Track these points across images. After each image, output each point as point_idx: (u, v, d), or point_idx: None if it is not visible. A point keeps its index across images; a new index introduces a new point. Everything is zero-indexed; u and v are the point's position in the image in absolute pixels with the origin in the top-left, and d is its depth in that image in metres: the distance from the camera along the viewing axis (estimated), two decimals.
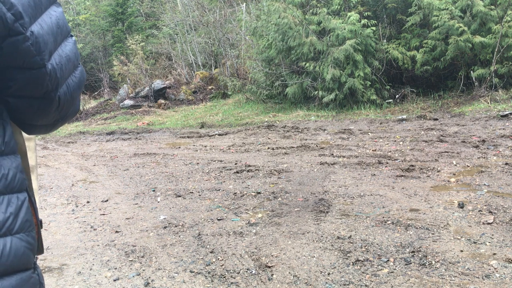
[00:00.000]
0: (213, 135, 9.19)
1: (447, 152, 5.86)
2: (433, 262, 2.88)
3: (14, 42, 0.87)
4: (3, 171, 0.91)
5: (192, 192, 4.95)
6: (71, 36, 1.04)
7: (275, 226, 3.74)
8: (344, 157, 6.10)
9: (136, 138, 9.76)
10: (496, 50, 9.29)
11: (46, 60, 0.92)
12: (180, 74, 16.83)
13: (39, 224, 1.04)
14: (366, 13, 10.66)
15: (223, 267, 3.05)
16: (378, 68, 10.40)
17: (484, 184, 4.41)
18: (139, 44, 16.18)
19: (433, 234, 3.33)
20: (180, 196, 4.84)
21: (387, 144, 6.76)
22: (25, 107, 0.96)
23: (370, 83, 10.21)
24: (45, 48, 0.91)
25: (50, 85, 0.94)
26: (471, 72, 9.73)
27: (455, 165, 5.25)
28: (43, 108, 0.97)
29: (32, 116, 0.99)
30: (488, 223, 3.44)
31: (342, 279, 2.77)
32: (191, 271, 3.02)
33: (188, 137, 9.29)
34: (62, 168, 6.96)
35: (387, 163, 5.58)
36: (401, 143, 6.74)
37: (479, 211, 3.72)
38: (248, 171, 5.70)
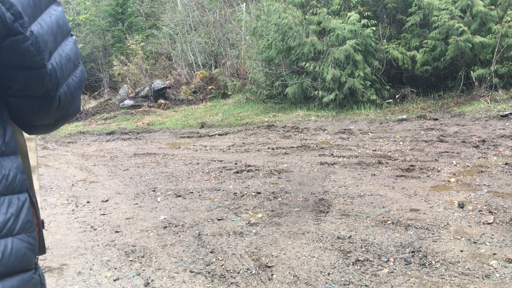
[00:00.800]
0: (213, 135, 9.19)
1: (447, 152, 5.86)
2: (433, 262, 2.89)
3: (13, 42, 0.86)
4: (3, 171, 0.90)
5: (192, 192, 4.95)
6: (72, 35, 1.03)
7: (275, 226, 3.74)
8: (344, 157, 6.10)
9: (136, 138, 9.76)
10: (496, 50, 9.29)
11: (46, 60, 0.91)
12: (180, 74, 16.83)
13: (40, 224, 1.03)
14: (366, 13, 10.66)
15: (223, 267, 3.05)
16: (378, 68, 10.40)
17: (484, 184, 4.41)
18: (139, 44, 16.18)
19: (433, 234, 3.33)
20: (180, 196, 4.84)
21: (387, 144, 6.76)
22: (26, 107, 0.96)
23: (370, 83, 10.21)
24: (45, 47, 0.91)
25: (50, 84, 0.93)
26: (471, 72, 9.73)
27: (455, 165, 5.25)
28: (44, 108, 0.97)
29: (32, 116, 0.99)
30: (488, 223, 3.44)
31: (342, 279, 2.77)
32: (191, 271, 3.02)
33: (188, 137, 9.29)
34: (62, 168, 6.96)
35: (387, 163, 5.58)
36: (401, 143, 6.74)
37: (479, 211, 3.72)
38: (248, 171, 5.70)
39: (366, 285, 2.68)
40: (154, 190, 5.16)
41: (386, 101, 10.37)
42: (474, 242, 3.14)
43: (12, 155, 0.94)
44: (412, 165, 5.31)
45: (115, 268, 3.16)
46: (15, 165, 0.94)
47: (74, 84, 1.02)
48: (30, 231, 0.94)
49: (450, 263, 2.86)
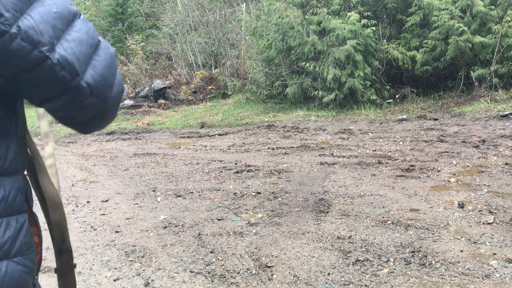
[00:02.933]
0: (213, 135, 9.19)
1: (447, 152, 5.86)
2: (433, 262, 2.88)
3: (2, 44, 0.80)
4: (3, 192, 0.87)
5: (192, 192, 4.95)
6: (79, 16, 0.94)
7: (275, 226, 3.74)
8: (344, 157, 6.10)
9: (136, 138, 9.76)
10: (496, 50, 9.29)
11: (47, 51, 0.83)
12: (180, 74, 16.83)
13: (41, 242, 1.01)
14: (366, 13, 10.66)
15: (223, 267, 3.05)
16: (378, 68, 10.40)
17: (484, 184, 4.41)
18: (139, 44, 16.18)
19: (433, 234, 3.33)
20: (180, 196, 4.84)
21: (387, 144, 6.76)
22: (58, 107, 0.89)
23: (370, 83, 10.21)
24: (41, 38, 0.83)
25: (66, 74, 0.85)
26: (471, 72, 9.73)
27: (455, 165, 5.25)
28: (76, 101, 0.89)
29: (71, 114, 0.92)
30: (488, 223, 3.44)
31: (342, 279, 2.77)
32: (191, 271, 3.02)
33: (188, 137, 9.29)
34: (62, 168, 6.96)
35: (387, 163, 5.58)
36: (401, 143, 6.74)
37: (479, 211, 3.72)
38: (248, 171, 5.70)
39: (366, 285, 2.68)
40: (154, 190, 5.16)
41: (386, 101, 10.38)
42: (474, 242, 3.14)
43: (14, 175, 0.91)
44: (412, 165, 5.31)
45: (115, 268, 3.16)
46: (16, 185, 0.91)
47: (101, 64, 0.92)
48: (28, 253, 0.92)
49: (450, 263, 2.86)
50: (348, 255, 3.08)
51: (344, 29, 10.15)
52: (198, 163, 6.44)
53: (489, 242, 3.12)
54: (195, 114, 12.76)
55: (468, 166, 5.13)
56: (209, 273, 2.98)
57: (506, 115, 7.64)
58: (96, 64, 0.91)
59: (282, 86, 11.58)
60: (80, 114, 0.92)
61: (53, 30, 0.85)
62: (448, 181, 4.66)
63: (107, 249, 3.52)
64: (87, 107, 0.91)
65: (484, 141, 6.28)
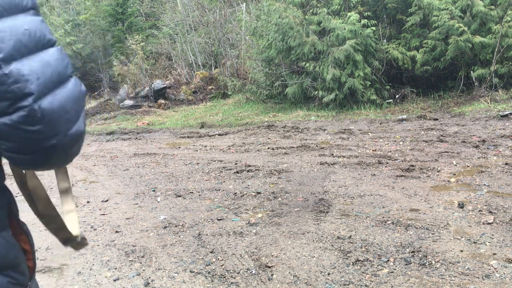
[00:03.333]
0: (213, 135, 9.19)
1: (447, 152, 5.86)
2: (433, 262, 2.88)
3: None
4: None
5: (192, 192, 4.95)
6: (58, 46, 0.87)
7: (275, 226, 3.74)
8: (344, 157, 6.10)
9: (136, 138, 9.76)
10: (496, 50, 9.29)
11: (0, 60, 0.76)
12: (180, 74, 16.83)
13: (34, 250, 1.01)
14: (366, 13, 10.66)
15: (223, 267, 3.05)
16: (378, 68, 10.40)
17: (484, 184, 4.41)
18: (139, 44, 16.18)
19: (433, 234, 3.33)
20: (180, 196, 4.84)
21: (387, 144, 6.76)
22: (1, 127, 0.79)
23: (370, 83, 10.21)
24: None
25: (16, 89, 0.76)
26: (471, 72, 9.73)
27: (455, 165, 5.25)
28: (22, 124, 0.77)
29: (12, 143, 0.80)
30: (488, 223, 3.44)
31: (342, 279, 2.77)
32: (191, 271, 3.02)
33: (188, 137, 9.29)
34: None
35: (387, 163, 5.58)
36: (401, 143, 6.74)
37: (479, 211, 3.72)
38: (248, 171, 5.70)
39: (366, 285, 2.68)
40: (154, 190, 5.16)
41: (386, 101, 10.37)
42: (474, 242, 3.14)
43: None
44: (412, 165, 5.31)
45: (115, 268, 3.16)
46: None
47: (65, 95, 0.83)
48: (16, 265, 0.92)
49: (450, 263, 2.86)
50: (348, 255, 3.08)
51: (344, 29, 10.15)
52: (198, 163, 6.44)
53: (489, 242, 3.12)
54: (195, 114, 12.76)
55: (468, 166, 5.13)
56: (209, 273, 2.98)
57: (506, 115, 7.64)
58: (59, 93, 0.81)
59: (282, 86, 11.58)
60: (23, 143, 0.79)
61: (16, 44, 0.78)
62: (448, 181, 4.66)
63: (107, 249, 3.52)
64: (32, 137, 0.78)
65: (484, 141, 6.28)
